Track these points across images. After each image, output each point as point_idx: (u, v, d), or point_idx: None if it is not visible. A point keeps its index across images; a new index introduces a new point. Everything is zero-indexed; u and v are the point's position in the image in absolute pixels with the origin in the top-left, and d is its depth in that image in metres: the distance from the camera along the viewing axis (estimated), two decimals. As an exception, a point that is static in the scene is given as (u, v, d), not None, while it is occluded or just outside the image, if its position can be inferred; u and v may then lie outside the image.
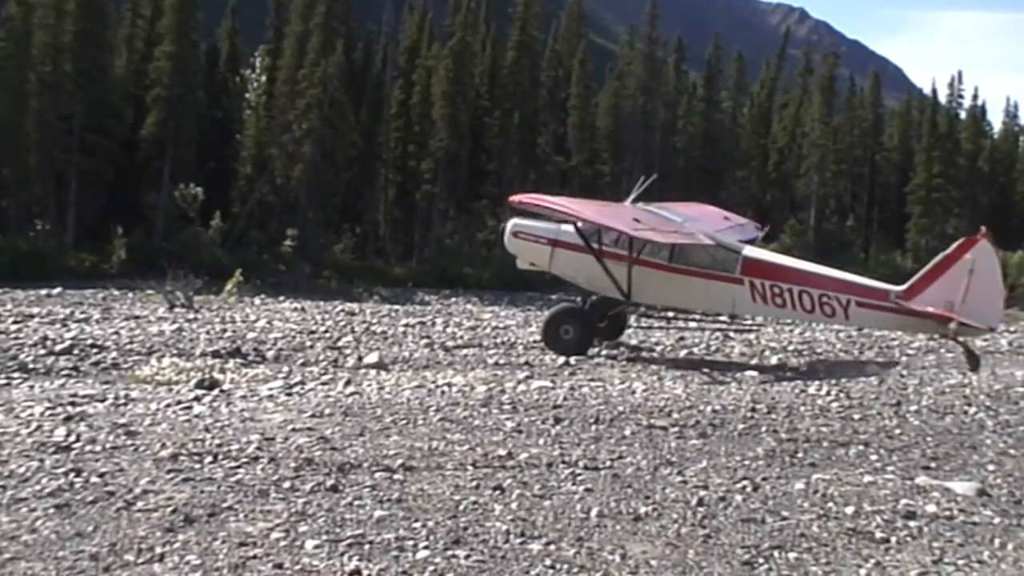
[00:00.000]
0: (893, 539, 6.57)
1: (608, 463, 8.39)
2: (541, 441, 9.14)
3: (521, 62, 65.95)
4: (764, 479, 8.06)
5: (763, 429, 10.17)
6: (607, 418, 10.36)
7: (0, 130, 54.89)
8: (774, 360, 18.01)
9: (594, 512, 6.92)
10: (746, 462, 8.70)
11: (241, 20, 71.13)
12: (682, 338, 21.10)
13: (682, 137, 72.39)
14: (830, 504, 7.33)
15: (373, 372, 14.48)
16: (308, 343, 17.60)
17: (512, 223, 19.06)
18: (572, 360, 16.68)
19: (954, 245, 17.71)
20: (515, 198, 20.41)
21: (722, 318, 19.78)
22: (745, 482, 7.90)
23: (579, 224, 17.81)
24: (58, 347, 14.69)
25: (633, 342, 19.96)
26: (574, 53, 70.27)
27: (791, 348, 20.16)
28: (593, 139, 69.74)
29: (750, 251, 18.67)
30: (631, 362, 17.10)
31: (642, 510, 7.04)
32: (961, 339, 17.65)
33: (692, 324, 20.59)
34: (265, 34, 66.02)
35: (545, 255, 18.63)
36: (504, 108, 65.44)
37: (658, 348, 19.54)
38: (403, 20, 74.22)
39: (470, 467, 8.02)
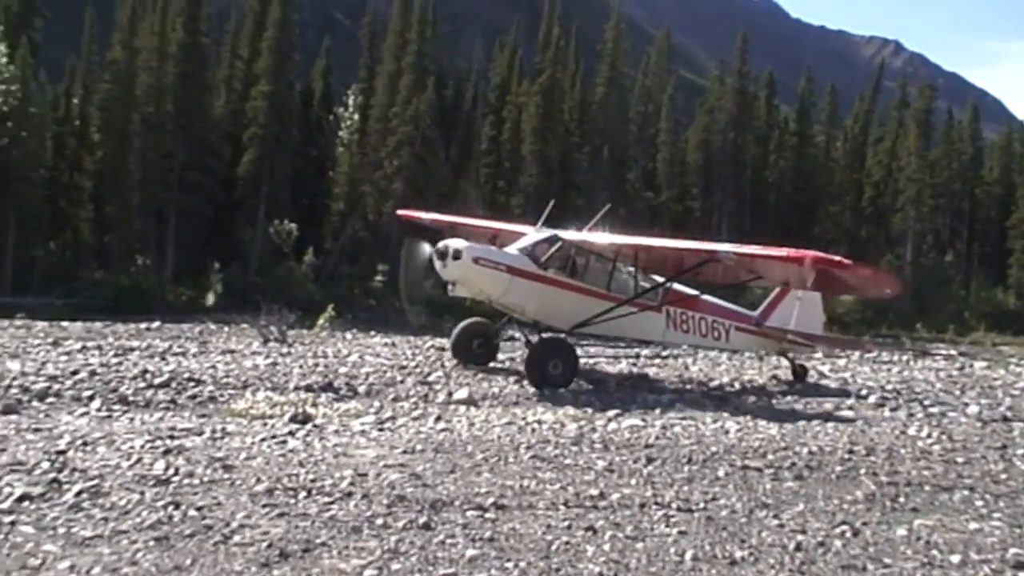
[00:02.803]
0: (1000, 589, 6.37)
1: (702, 505, 8.28)
2: (633, 481, 9.06)
3: (610, 98, 66.07)
4: (864, 524, 7.89)
5: (862, 472, 9.96)
6: (700, 458, 10.23)
7: (105, 169, 56.60)
8: (871, 400, 17.61)
9: (688, 555, 6.82)
10: (845, 506, 8.52)
11: (335, 60, 72.48)
12: (774, 377, 20.83)
13: (774, 172, 71.74)
14: (934, 552, 7.14)
15: (463, 408, 14.47)
16: (399, 378, 17.66)
17: (467, 247, 17.45)
18: (663, 399, 16.50)
19: None
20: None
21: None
22: (844, 527, 7.73)
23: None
24: (157, 380, 14.91)
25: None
26: (664, 88, 70.27)
27: (888, 387, 19.72)
28: (683, 175, 69.55)
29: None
30: (722, 401, 16.87)
31: (738, 554, 6.92)
32: (790, 355, 21.33)
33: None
34: (358, 73, 67.13)
35: (502, 283, 17.56)
36: (593, 144, 65.56)
37: (735, 385, 19.24)
38: (493, 57, 74.86)
39: (562, 507, 7.97)
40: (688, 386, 18.84)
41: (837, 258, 16.57)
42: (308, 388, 15.44)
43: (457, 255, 17.20)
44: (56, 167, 58.60)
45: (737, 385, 19.28)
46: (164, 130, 56.30)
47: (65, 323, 29.66)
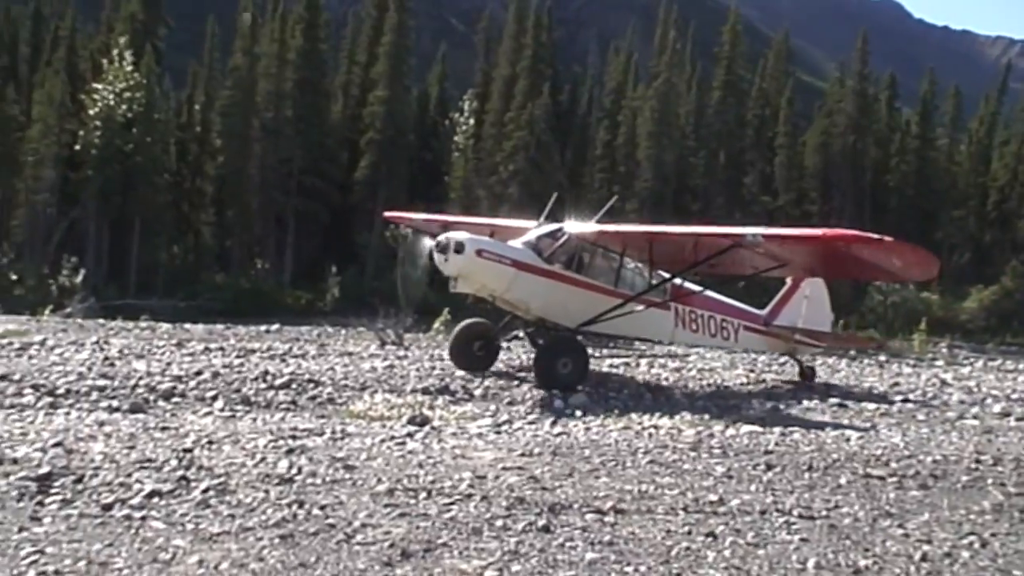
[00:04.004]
0: None
1: (824, 512, 8.11)
2: (753, 487, 8.92)
3: (727, 101, 65.46)
4: (993, 535, 7.64)
5: (989, 482, 9.66)
6: (821, 466, 10.03)
7: (226, 174, 58.06)
8: (996, 408, 17.07)
9: (811, 563, 6.69)
10: (972, 516, 8.26)
11: (451, 65, 73.20)
12: (896, 384, 20.34)
13: (894, 176, 70.12)
14: (1068, 564, 6.88)
15: (579, 412, 14.45)
16: (514, 382, 17.72)
17: (470, 239, 16.38)
18: (781, 405, 16.23)
19: (791, 278, 20.41)
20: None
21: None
22: (972, 538, 7.50)
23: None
24: (278, 381, 15.18)
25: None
26: (781, 91, 69.24)
27: (1015, 396, 19.10)
28: (801, 178, 68.44)
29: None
30: (841, 408, 16.53)
31: (862, 563, 6.77)
32: (798, 356, 20.80)
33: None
34: (474, 78, 67.69)
35: (506, 278, 16.51)
36: (710, 148, 65.02)
37: (855, 392, 18.81)
38: (608, 62, 74.81)
39: (681, 512, 7.89)
40: (805, 393, 18.48)
41: (873, 235, 15.00)
42: (425, 391, 15.57)
43: (460, 248, 16.12)
44: (179, 172, 60.34)
45: (858, 391, 18.85)
46: (283, 135, 57.58)
47: (188, 325, 30.47)
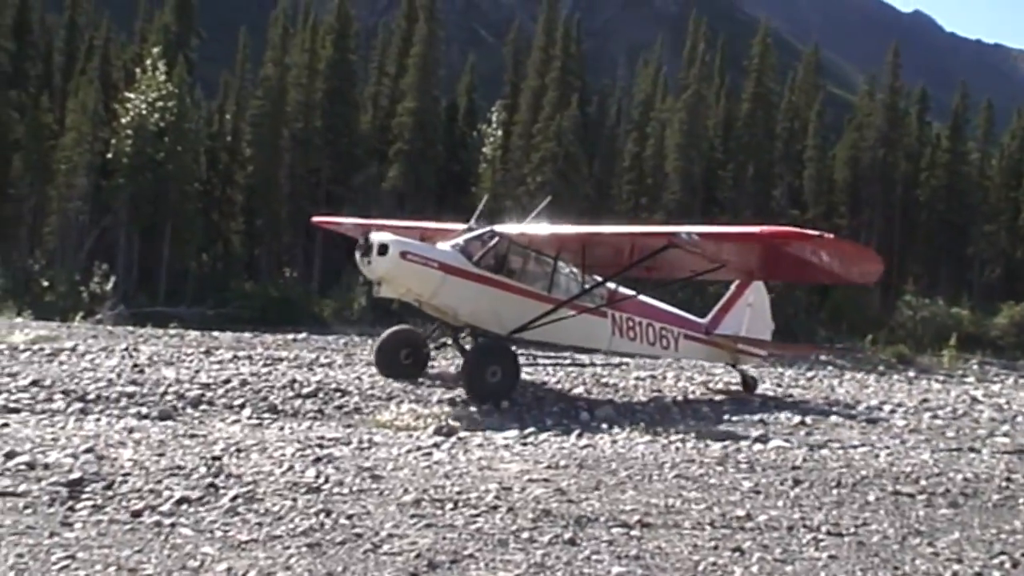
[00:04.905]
0: None
1: (852, 529, 8.08)
2: (780, 503, 8.90)
3: (756, 114, 65.18)
4: (1024, 555, 7.59)
5: (1020, 501, 9.60)
6: (849, 482, 10.00)
7: (256, 183, 58.40)
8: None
9: (839, 581, 6.67)
10: (1003, 536, 8.21)
11: (479, 76, 73.33)
12: (925, 400, 20.22)
13: (925, 190, 69.62)
14: (1100, 586, 6.82)
15: (605, 425, 14.45)
16: (540, 394, 17.74)
17: (394, 241, 15.57)
18: (808, 420, 16.15)
19: (734, 285, 20.35)
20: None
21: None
22: (1003, 557, 7.46)
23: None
24: (305, 390, 15.25)
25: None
26: (811, 104, 68.90)
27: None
28: (830, 192, 68.07)
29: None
30: (871, 424, 16.44)
31: (890, 582, 6.75)
32: (740, 367, 20.35)
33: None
34: (502, 89, 67.71)
35: (434, 282, 15.78)
36: (738, 160, 64.77)
37: (883, 408, 18.67)
38: (637, 73, 74.69)
39: (708, 526, 7.88)
40: (833, 408, 18.39)
41: (811, 232, 14.56)
42: (451, 401, 15.61)
43: (383, 249, 15.31)
44: (209, 181, 60.68)
45: (886, 408, 18.74)
46: (312, 145, 57.85)
47: (216, 332, 30.65)
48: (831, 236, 14.25)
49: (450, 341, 18.50)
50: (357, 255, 15.71)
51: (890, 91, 68.88)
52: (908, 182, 68.87)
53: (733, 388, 20.41)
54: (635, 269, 17.17)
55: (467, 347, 17.49)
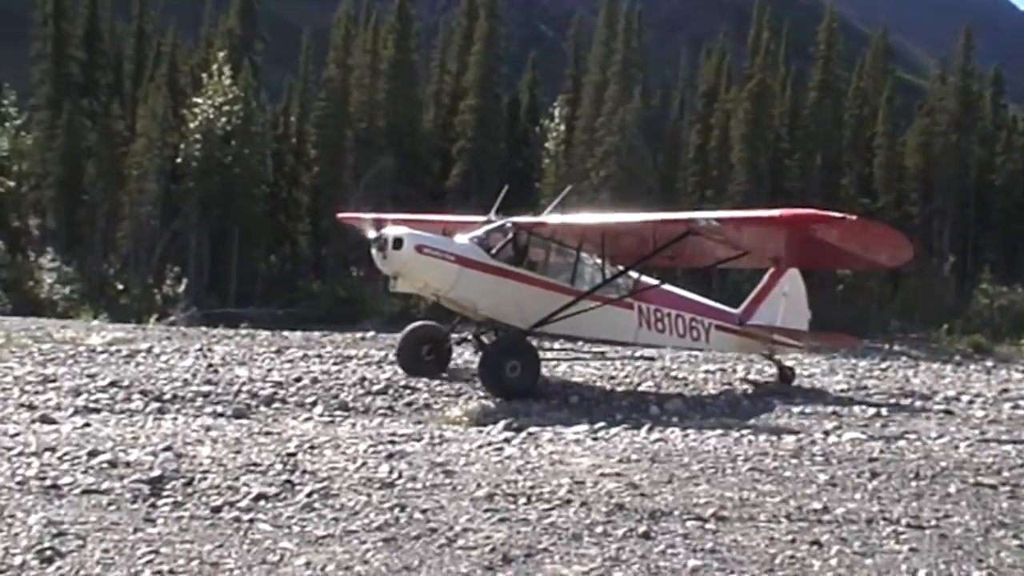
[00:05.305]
0: None
1: (933, 522, 7.93)
2: (858, 495, 8.77)
3: (823, 102, 64.27)
4: (1113, 546, 7.40)
5: (1106, 491, 9.36)
6: (928, 474, 9.82)
7: (322, 184, 58.90)
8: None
9: (921, 573, 6.56)
10: (1091, 527, 8.02)
11: (541, 72, 73.22)
12: (1005, 390, 19.84)
13: (1000, 175, 68.13)
14: None
15: (676, 418, 14.38)
16: (608, 387, 17.72)
17: (409, 234, 15.46)
18: (884, 411, 15.92)
19: (768, 274, 19.82)
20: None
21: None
22: (1092, 549, 7.28)
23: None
24: (375, 387, 15.38)
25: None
26: (880, 90, 67.75)
27: None
28: (901, 179, 66.87)
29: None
30: (948, 414, 16.18)
31: (975, 574, 6.62)
32: (776, 357, 19.81)
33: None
34: (564, 84, 67.55)
35: (451, 275, 15.55)
36: (805, 150, 63.93)
37: (961, 399, 18.33)
38: (700, 64, 74.08)
39: (784, 519, 7.79)
40: (909, 399, 18.13)
41: (835, 214, 14.09)
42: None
43: (398, 243, 15.17)
44: (276, 183, 61.32)
45: (964, 398, 18.42)
46: (376, 145, 58.18)
47: (286, 332, 30.99)
48: (855, 218, 13.99)
49: (471, 336, 18.30)
50: (373, 250, 15.60)
51: (962, 75, 67.49)
52: (983, 167, 67.45)
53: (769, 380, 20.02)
54: (658, 258, 16.81)
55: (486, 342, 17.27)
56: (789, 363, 20.96)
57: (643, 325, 17.59)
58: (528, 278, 16.38)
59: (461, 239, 16.30)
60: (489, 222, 16.91)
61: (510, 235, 16.52)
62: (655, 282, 17.97)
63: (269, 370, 16.87)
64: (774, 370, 20.22)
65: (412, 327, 18.11)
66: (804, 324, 20.11)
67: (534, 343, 16.98)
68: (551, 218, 17.18)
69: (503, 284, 16.02)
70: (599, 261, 17.11)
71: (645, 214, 17.88)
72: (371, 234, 15.78)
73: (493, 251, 16.21)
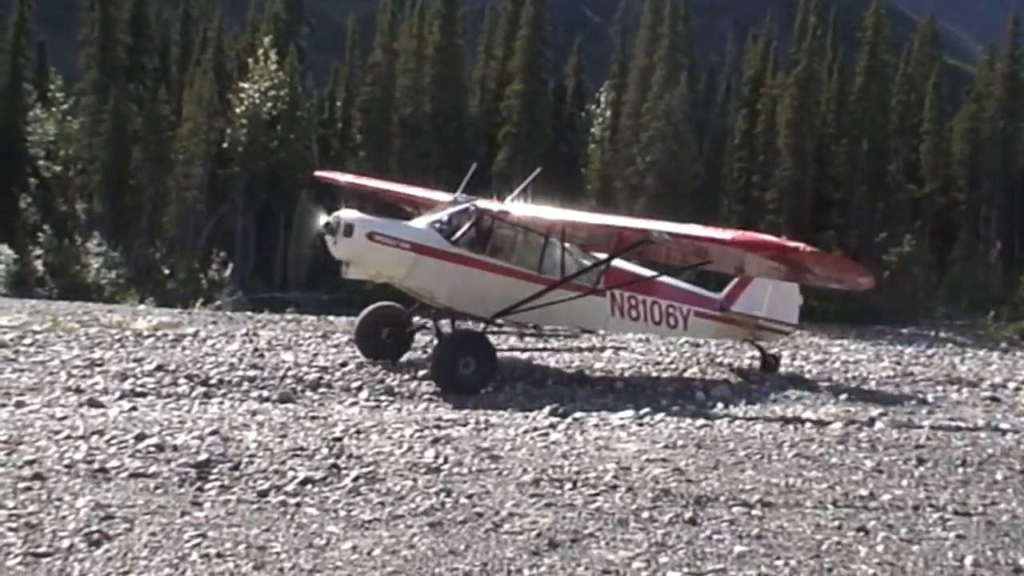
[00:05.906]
0: None
1: (980, 509, 7.89)
2: (904, 482, 8.72)
3: (870, 88, 63.58)
4: None
5: None
6: (975, 461, 9.75)
7: (367, 169, 59.04)
8: None
9: (968, 560, 6.53)
10: None
11: (587, 57, 73.05)
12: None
13: (1049, 161, 67.21)
14: None
15: (720, 405, 14.34)
16: (654, 373, 17.69)
17: (360, 220, 14.85)
18: (930, 398, 15.79)
19: None
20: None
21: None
22: None
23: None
24: (420, 372, 15.43)
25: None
26: (927, 76, 66.95)
27: None
28: (948, 166, 66.07)
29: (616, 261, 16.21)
30: (995, 402, 16.02)
31: (1022, 561, 6.57)
32: (761, 344, 18.90)
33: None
34: (610, 69, 67.34)
35: (405, 264, 14.89)
36: (851, 135, 63.27)
37: (1008, 386, 18.13)
38: (746, 49, 73.49)
39: (830, 506, 7.77)
40: (955, 386, 17.96)
41: (788, 243, 13.73)
42: (564, 383, 15.66)
43: (349, 230, 14.50)
44: (321, 168, 61.54)
45: (1011, 386, 18.23)
46: (421, 130, 58.28)
47: (331, 317, 31.11)
48: (808, 249, 13.39)
49: (429, 324, 17.57)
50: (323, 234, 14.99)
51: (1010, 60, 66.56)
52: (1031, 153, 66.54)
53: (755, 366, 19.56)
54: (628, 255, 16.17)
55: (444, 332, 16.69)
56: (802, 351, 20.60)
57: (615, 313, 16.85)
58: (491, 265, 15.61)
59: (419, 223, 15.77)
60: (455, 202, 16.24)
61: (472, 219, 15.70)
62: (645, 272, 17.23)
63: (315, 355, 16.94)
64: (780, 359, 19.60)
65: (371, 308, 17.52)
66: (794, 311, 19.16)
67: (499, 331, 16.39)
68: (516, 207, 16.45)
69: (463, 272, 15.32)
70: (567, 246, 16.28)
71: (608, 217, 17.60)
72: (322, 219, 15.24)
73: (453, 237, 15.44)
